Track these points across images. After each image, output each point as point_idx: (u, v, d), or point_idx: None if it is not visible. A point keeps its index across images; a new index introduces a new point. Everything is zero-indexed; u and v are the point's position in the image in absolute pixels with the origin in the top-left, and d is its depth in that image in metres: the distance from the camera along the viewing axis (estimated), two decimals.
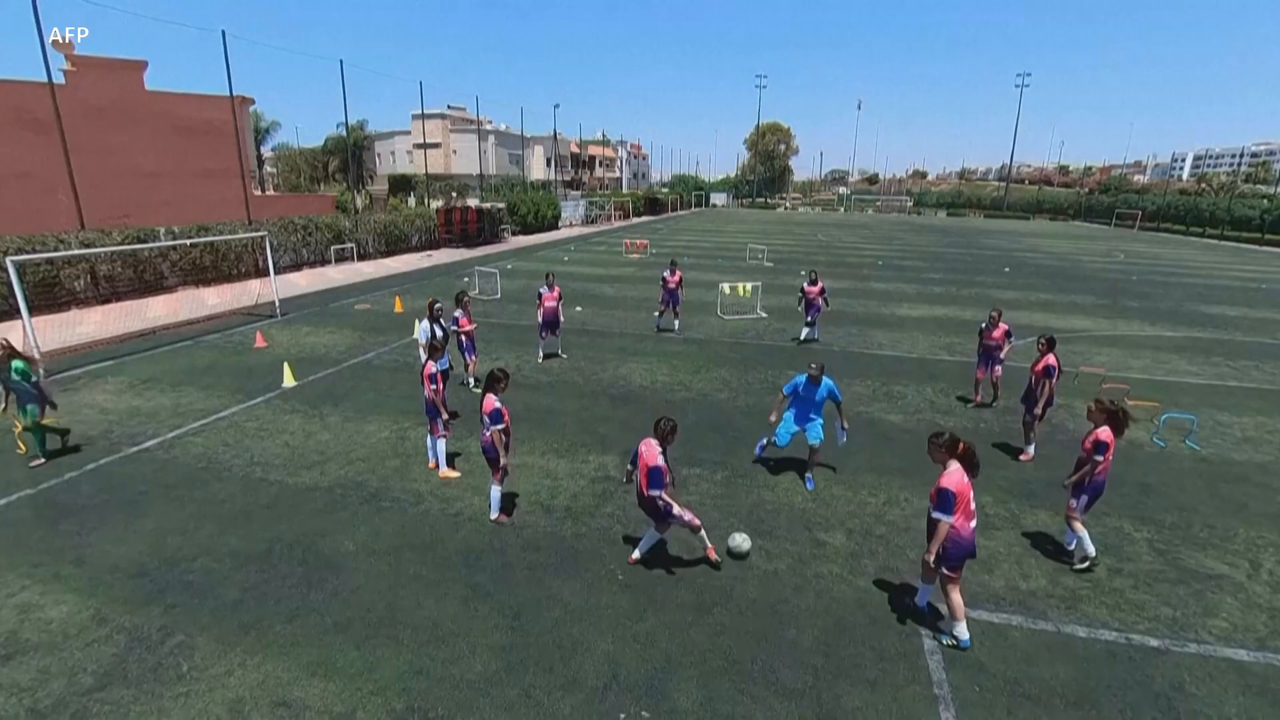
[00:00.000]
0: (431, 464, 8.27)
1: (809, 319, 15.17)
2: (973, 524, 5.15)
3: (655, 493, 5.83)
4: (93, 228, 19.92)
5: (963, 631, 5.25)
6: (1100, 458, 6.12)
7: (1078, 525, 6.32)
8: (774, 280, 24.21)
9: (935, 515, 5.08)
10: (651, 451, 5.90)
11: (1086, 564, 6.34)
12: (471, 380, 11.36)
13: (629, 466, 6.25)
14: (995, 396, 11.09)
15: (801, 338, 15.57)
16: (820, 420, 7.91)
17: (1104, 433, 6.16)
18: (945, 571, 5.21)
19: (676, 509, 5.97)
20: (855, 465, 8.63)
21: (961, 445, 5.17)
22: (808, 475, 8.10)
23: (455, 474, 8.11)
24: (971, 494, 5.10)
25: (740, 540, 6.40)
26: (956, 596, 5.25)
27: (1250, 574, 6.41)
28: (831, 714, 4.60)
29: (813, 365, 7.75)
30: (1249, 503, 7.86)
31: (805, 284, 14.96)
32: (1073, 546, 6.51)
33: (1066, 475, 6.55)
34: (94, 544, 6.55)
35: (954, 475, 5.05)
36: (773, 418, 8.04)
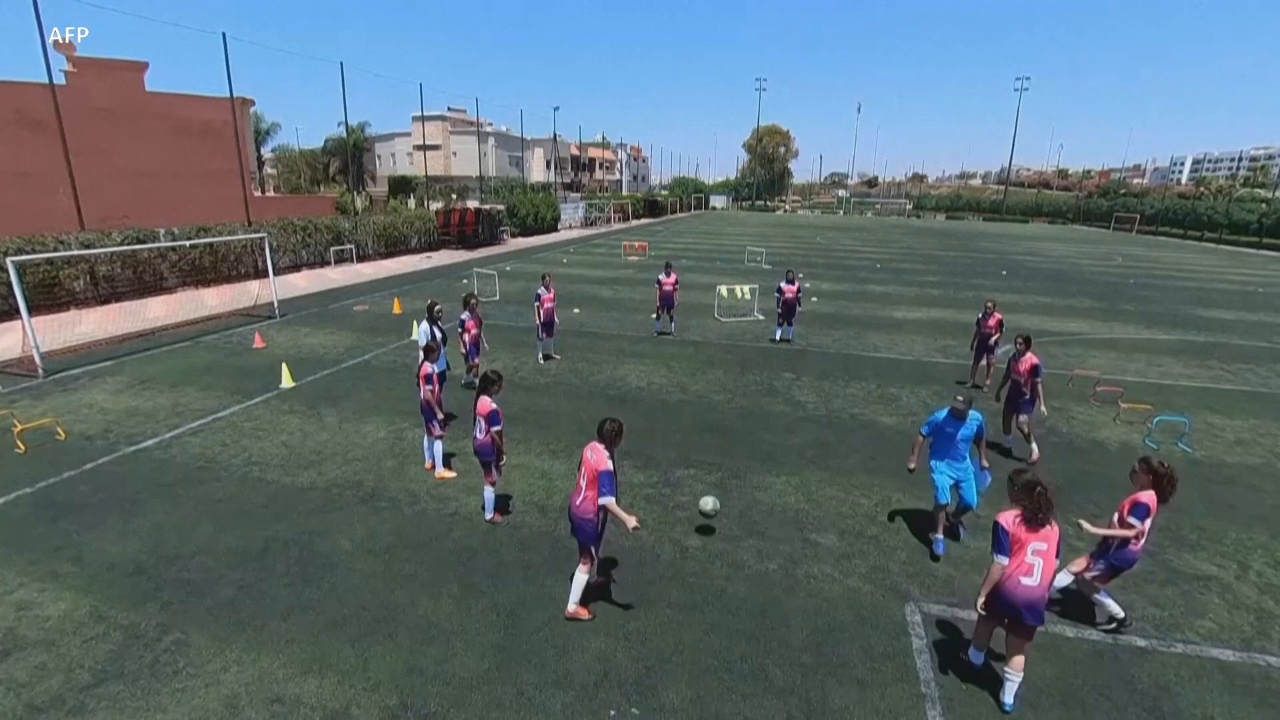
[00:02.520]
0: (428, 464, 8.32)
1: (790, 319, 15.37)
2: (1025, 579, 4.47)
3: (607, 500, 5.21)
4: (92, 228, 20.00)
5: (976, 656, 5.11)
6: (1135, 521, 5.25)
7: (1098, 592, 5.54)
8: (772, 283, 24.18)
9: (992, 554, 4.62)
10: (599, 456, 5.30)
11: (1114, 625, 5.54)
12: (477, 382, 11.38)
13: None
14: (988, 375, 12.13)
15: (777, 337, 15.71)
16: (971, 469, 6.73)
17: (1146, 496, 5.30)
18: (981, 612, 4.76)
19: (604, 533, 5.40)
20: (849, 466, 8.69)
21: (1037, 490, 4.56)
22: (961, 524, 7.09)
23: (451, 474, 8.16)
24: (1038, 546, 4.48)
25: (709, 503, 6.84)
26: (984, 627, 4.95)
27: (1239, 575, 6.47)
28: (820, 712, 4.65)
29: (959, 398, 6.49)
30: (1239, 504, 7.92)
31: (783, 283, 15.09)
32: (1059, 583, 5.68)
33: (1090, 518, 5.67)
34: (92, 542, 6.60)
35: (1014, 513, 4.60)
36: (911, 465, 6.89)
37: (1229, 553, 6.86)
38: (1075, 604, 5.88)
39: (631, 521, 5.23)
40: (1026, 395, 8.86)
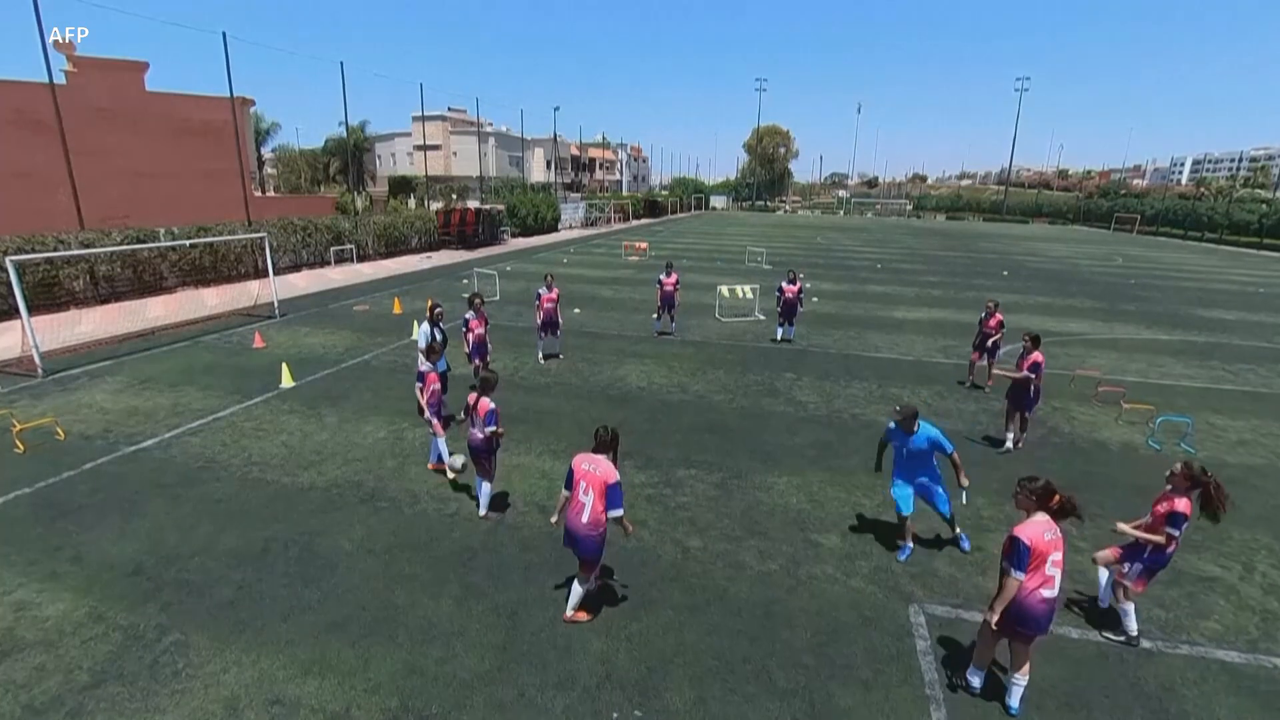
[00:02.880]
0: (432, 464, 8.29)
1: (790, 319, 15.36)
2: (1047, 592, 4.35)
3: (617, 513, 5.18)
4: (92, 228, 19.97)
5: (976, 677, 4.87)
6: (1174, 531, 5.13)
7: (1126, 601, 5.39)
8: (772, 283, 24.17)
9: (1005, 567, 4.40)
10: (604, 467, 5.19)
11: (1123, 638, 5.43)
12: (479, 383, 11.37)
13: (565, 493, 5.37)
14: (989, 376, 12.16)
15: (778, 337, 15.68)
16: (939, 484, 6.45)
17: (1182, 504, 5.12)
18: (994, 627, 4.51)
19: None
20: (850, 467, 8.66)
21: (1057, 497, 4.46)
22: (960, 534, 6.76)
23: (453, 475, 8.12)
24: (1056, 557, 4.35)
25: (456, 461, 7.22)
26: (987, 648, 4.75)
27: (1243, 576, 6.44)
28: (824, 714, 4.62)
29: (896, 409, 6.28)
30: (1242, 505, 7.85)
31: (784, 283, 15.07)
32: (1106, 602, 5.72)
33: (1126, 520, 5.50)
34: (91, 542, 6.57)
35: (1033, 526, 4.41)
36: (877, 467, 6.83)
37: (1233, 554, 6.83)
38: (1080, 607, 5.85)
39: (630, 528, 5.55)
40: (1030, 393, 8.92)
